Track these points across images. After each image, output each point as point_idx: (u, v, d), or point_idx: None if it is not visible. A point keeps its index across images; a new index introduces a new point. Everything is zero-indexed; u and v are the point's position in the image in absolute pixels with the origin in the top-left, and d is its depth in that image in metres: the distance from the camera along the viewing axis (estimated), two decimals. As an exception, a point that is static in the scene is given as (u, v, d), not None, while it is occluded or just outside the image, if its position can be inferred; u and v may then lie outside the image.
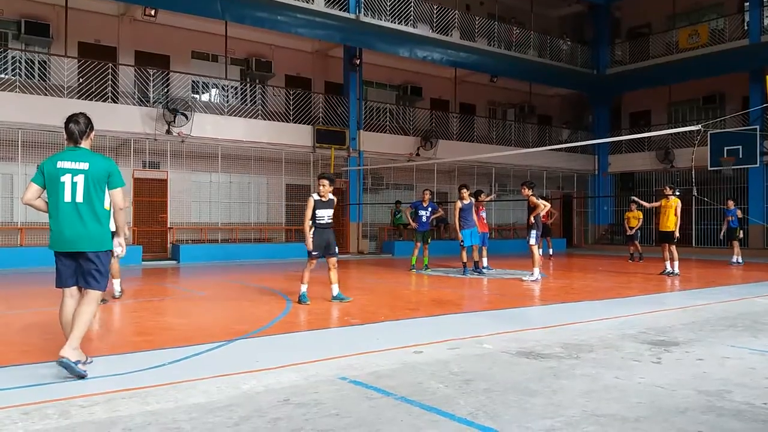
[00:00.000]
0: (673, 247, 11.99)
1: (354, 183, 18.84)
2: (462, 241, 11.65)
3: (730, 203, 15.40)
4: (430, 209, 12.80)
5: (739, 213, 15.37)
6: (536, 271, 10.75)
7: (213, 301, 8.47)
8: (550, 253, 17.60)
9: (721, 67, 20.94)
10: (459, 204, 11.73)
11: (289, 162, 17.95)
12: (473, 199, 12.11)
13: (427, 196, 12.82)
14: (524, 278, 10.89)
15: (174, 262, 15.18)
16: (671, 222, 12.06)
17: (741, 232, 15.42)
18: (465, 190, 11.79)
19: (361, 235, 19.22)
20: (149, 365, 4.45)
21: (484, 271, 12.57)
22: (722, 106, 22.87)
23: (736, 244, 15.11)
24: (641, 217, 16.04)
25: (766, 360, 4.75)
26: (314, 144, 18.01)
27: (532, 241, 10.81)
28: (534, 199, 10.85)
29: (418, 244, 12.82)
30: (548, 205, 11.51)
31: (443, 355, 4.84)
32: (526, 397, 3.69)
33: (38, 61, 15.57)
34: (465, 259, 11.89)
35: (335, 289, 7.92)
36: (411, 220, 13.61)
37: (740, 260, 15.03)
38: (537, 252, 10.86)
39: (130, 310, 7.78)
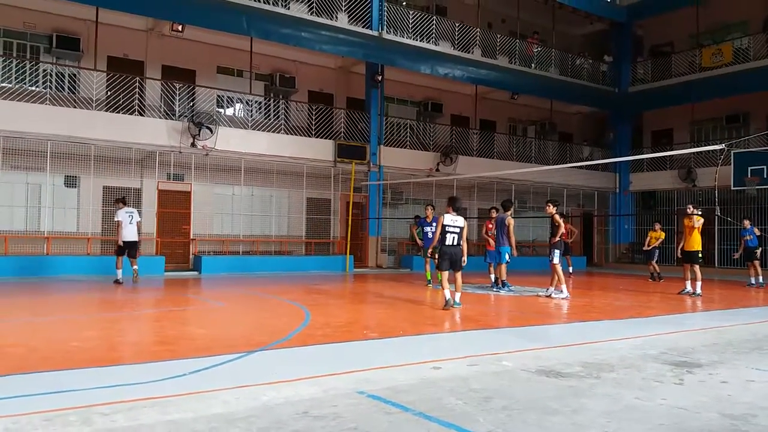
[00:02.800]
0: (697, 267, 11.79)
1: (373, 197, 18.90)
2: (509, 256, 11.83)
3: (746, 222, 14.98)
4: (434, 224, 12.75)
5: (756, 231, 14.97)
6: (564, 288, 10.68)
7: (233, 313, 8.54)
8: (570, 271, 17.44)
9: (745, 86, 20.70)
10: (512, 221, 11.78)
11: (310, 176, 18.08)
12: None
13: (430, 212, 12.64)
14: (554, 295, 10.76)
15: (195, 273, 15.33)
16: (696, 241, 11.87)
17: (758, 251, 14.96)
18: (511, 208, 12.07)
19: (380, 249, 19.24)
20: (170, 375, 4.51)
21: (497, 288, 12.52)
22: (746, 125, 22.57)
23: (756, 264, 14.72)
24: (662, 237, 15.82)
25: (791, 384, 4.66)
26: (335, 158, 18.13)
27: (555, 260, 10.73)
28: (557, 217, 10.78)
29: (428, 260, 12.77)
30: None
31: (462, 371, 4.83)
32: (546, 416, 3.67)
33: (68, 74, 15.95)
34: (504, 276, 11.91)
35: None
36: (417, 238, 13.54)
37: (761, 281, 14.60)
38: (560, 270, 10.78)
39: (153, 319, 7.88)
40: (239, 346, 5.67)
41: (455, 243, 8.82)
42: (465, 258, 8.96)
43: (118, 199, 12.56)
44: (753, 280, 14.61)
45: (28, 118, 13.64)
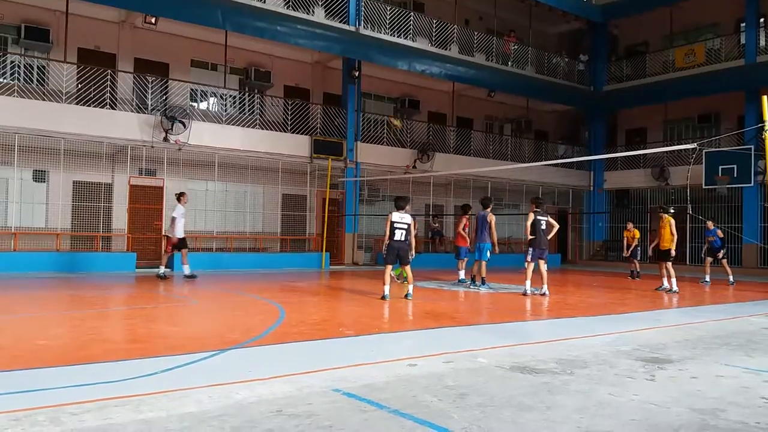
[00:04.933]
0: (669, 264, 12.04)
1: (350, 194, 18.85)
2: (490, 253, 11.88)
3: (710, 224, 15.05)
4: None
5: (719, 233, 15.17)
6: (527, 284, 10.73)
7: (206, 310, 8.43)
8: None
9: (716, 87, 21.13)
10: (494, 217, 11.85)
11: (285, 172, 17.96)
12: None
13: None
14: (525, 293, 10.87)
15: (168, 269, 15.06)
16: (667, 240, 12.15)
17: (722, 251, 15.11)
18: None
19: (356, 246, 19.20)
20: (142, 373, 4.42)
21: (468, 283, 12.53)
22: (717, 125, 23.03)
23: (725, 262, 14.97)
24: (638, 235, 16.04)
25: (760, 379, 4.75)
26: (311, 154, 18.03)
27: (529, 258, 10.81)
28: (531, 216, 10.84)
29: None
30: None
31: (437, 368, 4.83)
32: (521, 413, 3.68)
33: (37, 66, 15.59)
34: (484, 273, 11.92)
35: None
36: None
37: (731, 279, 14.81)
38: (529, 268, 10.85)
39: (124, 317, 7.75)
40: (213, 344, 5.60)
41: (403, 238, 9.55)
42: (413, 252, 9.99)
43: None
44: (707, 278, 14.85)
45: (-5, 111, 13.30)
